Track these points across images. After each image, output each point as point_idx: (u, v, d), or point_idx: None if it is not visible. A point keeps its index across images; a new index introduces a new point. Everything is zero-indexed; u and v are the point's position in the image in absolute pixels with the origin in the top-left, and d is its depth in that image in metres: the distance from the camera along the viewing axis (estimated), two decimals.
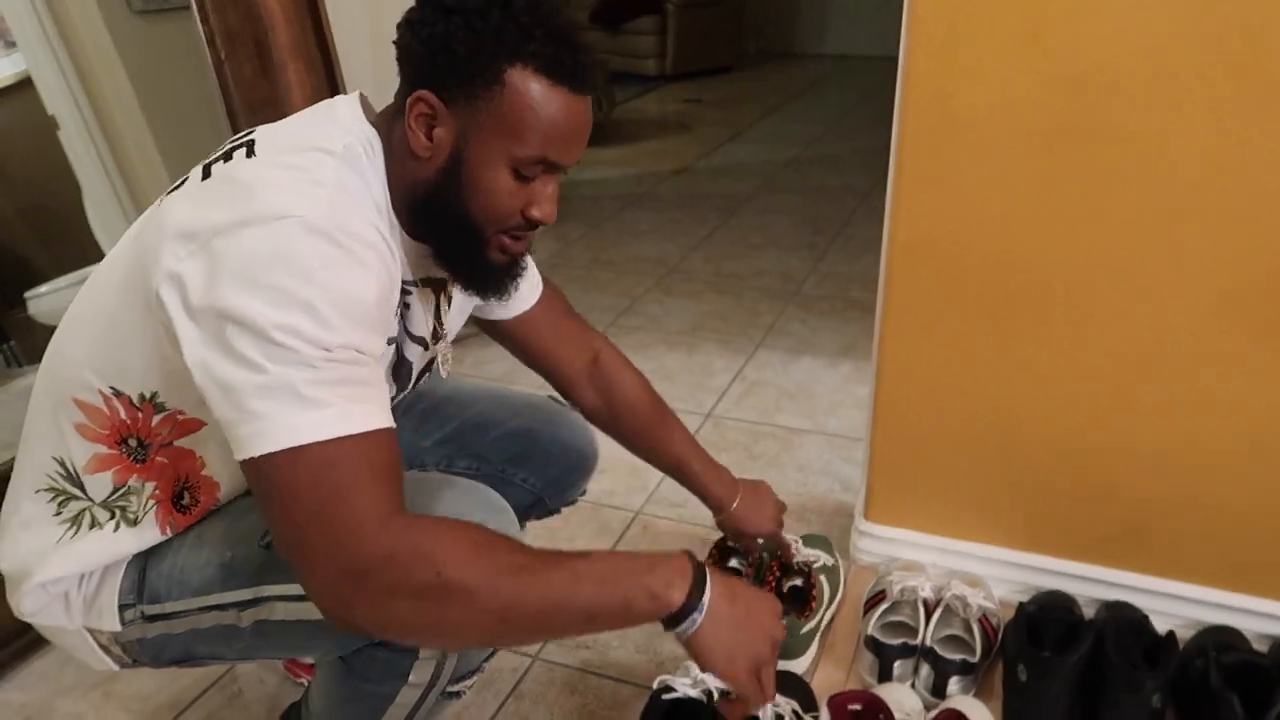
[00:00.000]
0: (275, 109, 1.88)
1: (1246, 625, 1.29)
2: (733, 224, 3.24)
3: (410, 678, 0.87)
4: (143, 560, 0.89)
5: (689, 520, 1.67)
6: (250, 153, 0.79)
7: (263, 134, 0.82)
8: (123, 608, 0.89)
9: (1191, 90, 1.06)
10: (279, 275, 0.71)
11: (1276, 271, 1.12)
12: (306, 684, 1.25)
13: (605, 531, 1.65)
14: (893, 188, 1.24)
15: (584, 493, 1.26)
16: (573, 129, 0.83)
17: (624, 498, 1.73)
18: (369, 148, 0.83)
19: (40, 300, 2.42)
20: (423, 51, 0.81)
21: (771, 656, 0.89)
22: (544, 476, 1.16)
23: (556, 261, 2.94)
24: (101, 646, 0.92)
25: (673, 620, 0.81)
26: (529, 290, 1.08)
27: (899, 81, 1.17)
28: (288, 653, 0.95)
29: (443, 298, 0.97)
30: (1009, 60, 1.11)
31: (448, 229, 0.85)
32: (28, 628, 1.37)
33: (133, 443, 0.86)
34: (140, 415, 0.84)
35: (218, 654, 0.92)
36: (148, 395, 0.84)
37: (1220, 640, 1.25)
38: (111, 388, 0.83)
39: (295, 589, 0.84)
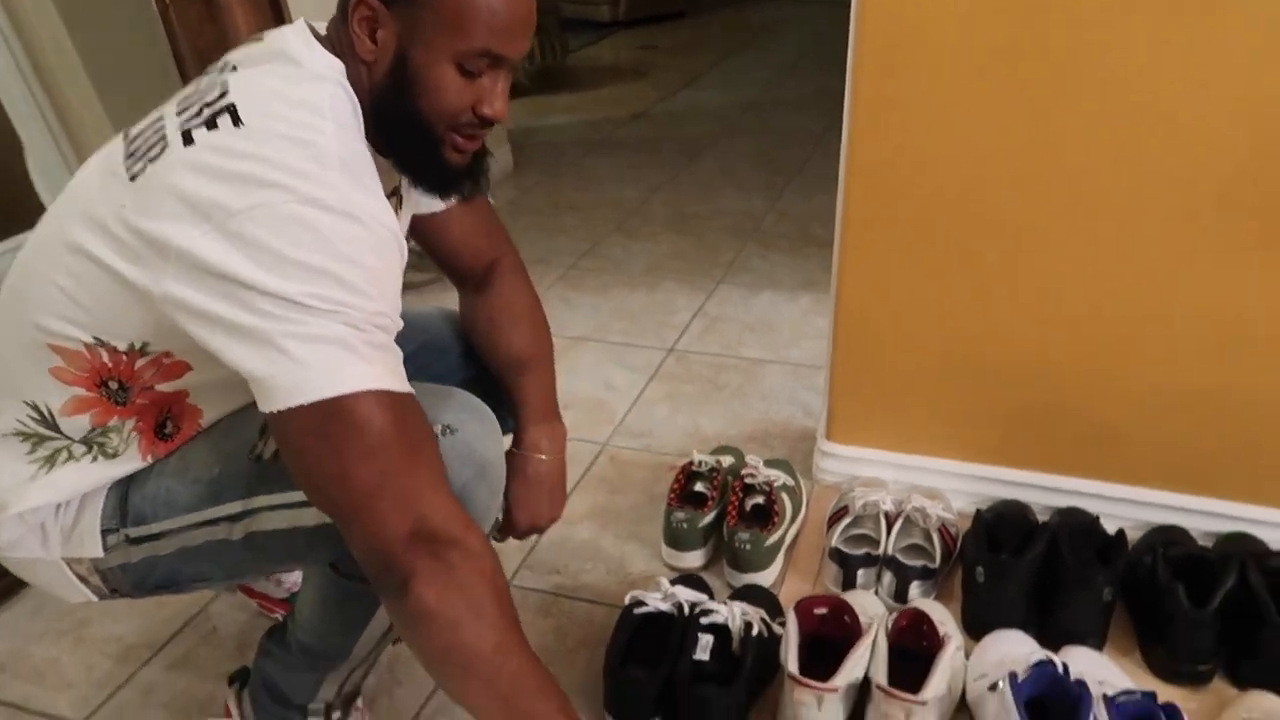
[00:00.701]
0: (222, 53, 1.85)
1: (1192, 524, 1.35)
2: (692, 167, 3.24)
3: None
4: (124, 485, 0.89)
5: (654, 450, 1.69)
6: (236, 120, 0.76)
7: (240, 95, 0.78)
8: (105, 533, 0.89)
9: (1149, 9, 1.08)
10: (309, 254, 0.72)
11: (1229, 191, 1.15)
12: (280, 618, 1.27)
13: (573, 462, 1.63)
14: (849, 111, 1.25)
15: None
16: (514, 18, 0.82)
17: (590, 430, 1.75)
18: (344, 85, 0.83)
19: None
20: None
21: None
22: (501, 396, 1.16)
23: (516, 209, 2.93)
24: (79, 577, 0.92)
25: None
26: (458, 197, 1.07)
27: (853, 1, 1.18)
28: (278, 564, 0.95)
29: (402, 204, 0.98)
30: None
31: (402, 132, 0.85)
32: None
33: (113, 385, 0.85)
34: (124, 359, 0.84)
35: (205, 575, 0.92)
36: (137, 345, 0.83)
37: (1168, 538, 1.30)
38: (96, 338, 0.82)
39: (286, 498, 0.85)
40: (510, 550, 1.46)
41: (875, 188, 1.31)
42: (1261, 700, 1.09)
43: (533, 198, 3.02)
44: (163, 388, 0.86)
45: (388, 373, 0.76)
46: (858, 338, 1.45)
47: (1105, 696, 1.00)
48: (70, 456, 0.87)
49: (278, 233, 0.72)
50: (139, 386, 0.86)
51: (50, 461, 0.87)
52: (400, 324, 0.80)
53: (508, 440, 1.09)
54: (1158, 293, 1.25)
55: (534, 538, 1.31)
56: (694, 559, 1.38)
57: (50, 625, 1.37)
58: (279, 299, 0.71)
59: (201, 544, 0.89)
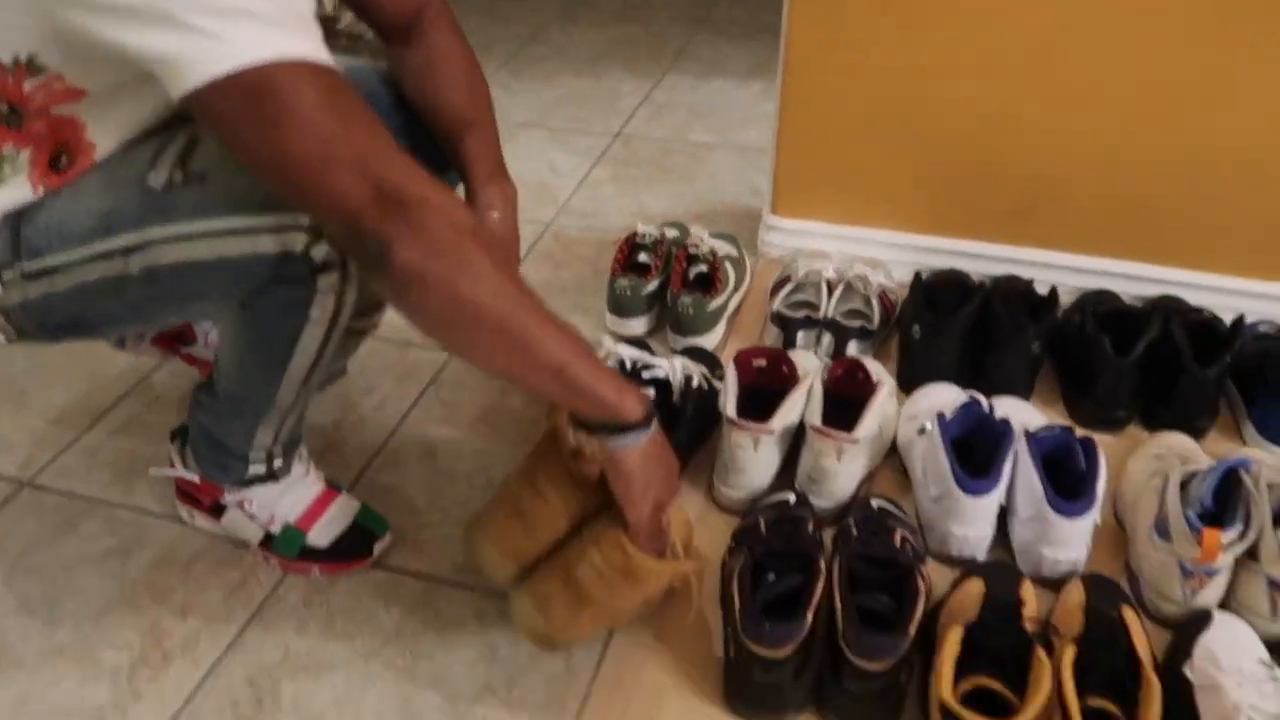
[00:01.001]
0: None
1: (1124, 288, 1.38)
2: None
3: (312, 313, 0.87)
4: (14, 219, 0.86)
5: (599, 229, 1.68)
6: None
7: None
8: (0, 268, 0.86)
9: None
10: None
11: None
12: None
13: None
14: None
15: None
16: None
17: (535, 211, 1.72)
18: None
19: None
20: None
21: (669, 502, 0.93)
22: (431, 146, 1.12)
23: None
24: None
25: (616, 429, 0.86)
26: None
27: None
28: (184, 303, 0.92)
29: None
30: None
31: None
32: None
33: (3, 109, 0.80)
34: (11, 80, 0.78)
35: (110, 314, 0.90)
36: (23, 59, 0.77)
37: (1098, 299, 1.33)
38: None
39: (180, 229, 0.82)
40: None
41: None
42: (1170, 439, 1.15)
43: None
44: (59, 111, 0.82)
45: (311, 45, 0.71)
46: (803, 112, 1.43)
47: (1026, 431, 1.05)
48: None
49: None
50: (32, 110, 0.80)
51: None
52: (315, 4, 0.75)
53: None
54: (1090, 54, 1.25)
55: None
56: (637, 325, 1.40)
57: None
58: None
59: (98, 280, 0.86)
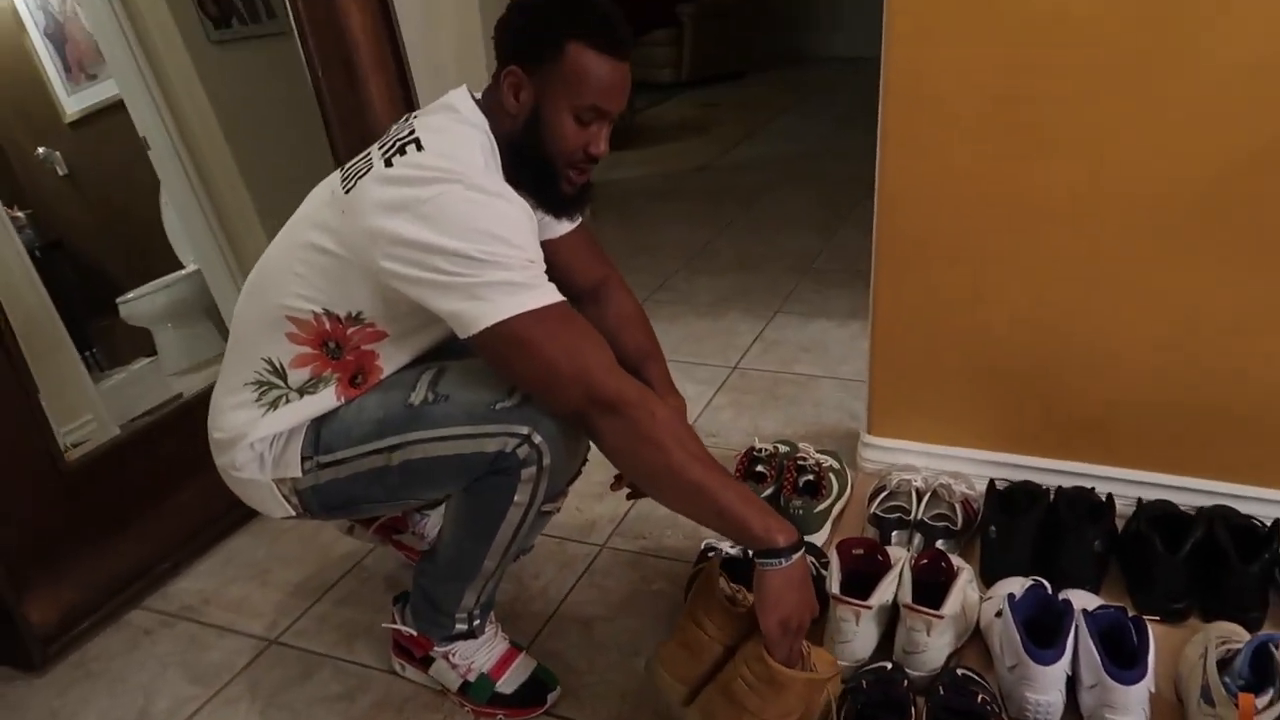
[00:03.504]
0: (361, 118, 2.22)
1: (1181, 500, 1.58)
2: (753, 211, 3.56)
3: (515, 497, 1.19)
4: (318, 424, 1.22)
5: (722, 446, 1.98)
6: (420, 147, 1.11)
7: (422, 131, 1.13)
8: (304, 459, 1.21)
9: (1116, 55, 1.37)
10: (481, 223, 1.06)
11: (1205, 203, 1.42)
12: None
13: None
14: (880, 172, 1.58)
15: None
16: (616, 84, 1.15)
17: None
18: (488, 133, 1.17)
19: (131, 305, 2.76)
20: (509, 39, 1.16)
21: (803, 625, 1.15)
22: None
23: None
24: (283, 496, 1.24)
25: (765, 553, 1.12)
26: (569, 220, 1.38)
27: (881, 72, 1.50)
28: (425, 488, 1.23)
29: None
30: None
31: (533, 167, 1.18)
32: (192, 535, 1.72)
33: (332, 345, 1.19)
34: (341, 325, 1.18)
35: (373, 496, 1.23)
36: (354, 314, 1.17)
37: (1154, 505, 1.54)
38: (325, 310, 1.16)
39: (429, 434, 1.16)
40: (603, 520, 1.76)
41: (902, 215, 1.66)
42: (1221, 626, 1.33)
43: (609, 241, 3.34)
44: (367, 346, 1.20)
45: (544, 293, 1.08)
46: (891, 349, 1.73)
47: (1084, 610, 1.26)
48: (287, 401, 1.21)
49: (457, 211, 1.06)
50: (349, 347, 1.19)
51: (273, 405, 1.21)
52: (543, 265, 1.13)
53: None
54: (1142, 302, 1.52)
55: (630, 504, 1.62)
56: None
57: (239, 572, 1.70)
58: (463, 258, 1.04)
59: (368, 470, 1.21)
